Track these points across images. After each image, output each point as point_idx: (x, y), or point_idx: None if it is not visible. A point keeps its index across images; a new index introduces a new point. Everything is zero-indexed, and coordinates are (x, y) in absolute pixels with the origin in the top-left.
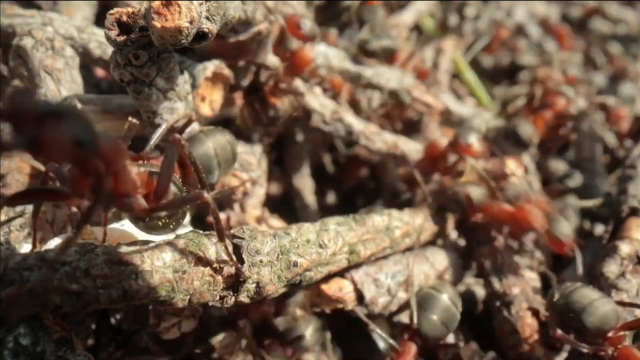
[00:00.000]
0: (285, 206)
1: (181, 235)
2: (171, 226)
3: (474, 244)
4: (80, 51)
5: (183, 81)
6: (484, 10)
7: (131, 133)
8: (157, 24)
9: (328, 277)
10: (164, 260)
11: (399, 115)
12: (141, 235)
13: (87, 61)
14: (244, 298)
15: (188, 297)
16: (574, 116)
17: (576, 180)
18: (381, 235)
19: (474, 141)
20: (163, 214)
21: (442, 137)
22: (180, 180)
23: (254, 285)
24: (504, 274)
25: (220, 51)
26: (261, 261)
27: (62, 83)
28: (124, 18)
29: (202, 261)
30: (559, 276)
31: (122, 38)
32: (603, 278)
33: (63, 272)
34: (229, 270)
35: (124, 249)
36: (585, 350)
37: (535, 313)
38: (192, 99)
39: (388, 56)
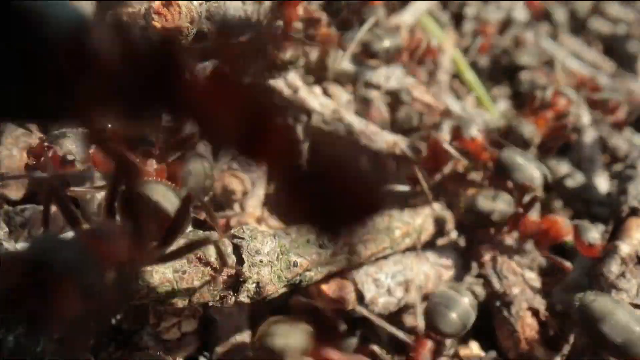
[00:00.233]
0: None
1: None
2: None
3: (474, 244)
4: None
5: None
6: (484, 10)
7: None
8: (157, 24)
9: (328, 277)
10: None
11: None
12: None
13: None
14: (244, 298)
15: (188, 297)
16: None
17: (576, 180)
18: (381, 235)
19: (477, 134)
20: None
21: (443, 134)
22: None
23: (254, 285)
24: (504, 274)
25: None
26: (261, 261)
27: None
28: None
29: (202, 261)
30: (558, 276)
31: None
32: (603, 278)
33: None
34: (229, 270)
35: None
36: None
37: (535, 313)
38: None
39: (392, 56)
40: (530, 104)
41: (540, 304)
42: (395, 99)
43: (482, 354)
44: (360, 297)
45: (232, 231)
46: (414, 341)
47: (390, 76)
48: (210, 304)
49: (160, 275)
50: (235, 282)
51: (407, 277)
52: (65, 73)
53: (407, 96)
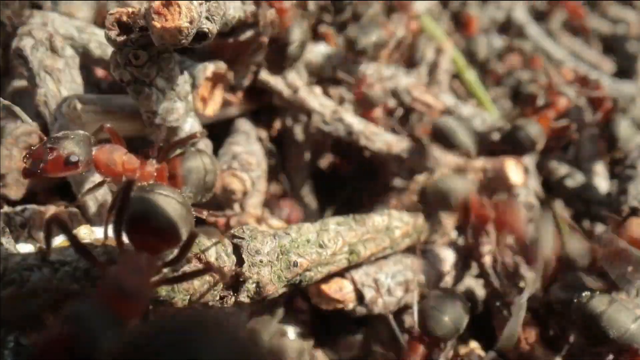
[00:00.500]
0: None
1: None
2: None
3: (474, 244)
4: (80, 51)
5: (183, 81)
6: (484, 10)
7: None
8: (157, 24)
9: (328, 277)
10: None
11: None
12: None
13: (87, 61)
14: (244, 298)
15: (188, 297)
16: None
17: (576, 180)
18: (381, 235)
19: None
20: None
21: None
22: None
23: (254, 285)
24: (504, 274)
25: (220, 51)
26: (261, 261)
27: (62, 83)
28: (124, 18)
29: (201, 261)
30: (558, 275)
31: (122, 38)
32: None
33: (63, 272)
34: (229, 270)
35: None
36: None
37: (535, 313)
38: (192, 99)
39: (378, 52)
40: (532, 103)
41: (540, 304)
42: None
43: (482, 354)
44: (360, 297)
45: (232, 231)
46: (407, 343)
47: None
48: (210, 304)
49: (161, 275)
50: (235, 282)
51: (407, 277)
52: None
53: (407, 96)
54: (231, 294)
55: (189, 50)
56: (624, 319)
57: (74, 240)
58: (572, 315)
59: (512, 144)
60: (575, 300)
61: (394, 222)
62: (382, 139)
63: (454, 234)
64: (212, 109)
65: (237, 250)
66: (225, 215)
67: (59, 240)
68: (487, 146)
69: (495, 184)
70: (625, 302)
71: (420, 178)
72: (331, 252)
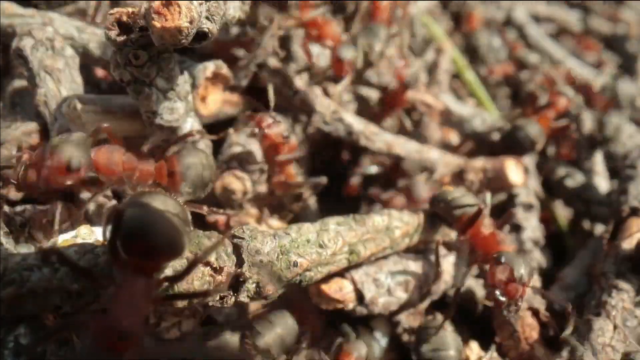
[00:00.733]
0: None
1: None
2: None
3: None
4: (80, 51)
5: (183, 81)
6: (484, 10)
7: None
8: (157, 24)
9: (328, 277)
10: None
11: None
12: None
13: (87, 61)
14: (244, 298)
15: (188, 297)
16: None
17: (576, 180)
18: (381, 235)
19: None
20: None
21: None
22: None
23: (254, 285)
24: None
25: (220, 51)
26: (261, 261)
27: (62, 83)
28: (124, 18)
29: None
30: (558, 275)
31: (122, 38)
32: (603, 278)
33: (63, 272)
34: (229, 270)
35: None
36: None
37: (535, 313)
38: (192, 99)
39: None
40: (532, 103)
41: (540, 304)
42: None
43: (482, 353)
44: (360, 297)
45: (232, 231)
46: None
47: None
48: (210, 304)
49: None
50: (235, 282)
51: (407, 277)
52: None
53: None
54: (231, 294)
55: (189, 50)
56: None
57: (73, 264)
58: None
59: (512, 144)
60: None
61: (394, 222)
62: (382, 138)
63: (454, 234)
64: (212, 108)
65: (237, 250)
66: (225, 213)
67: (60, 240)
68: (487, 146)
69: (495, 184)
70: None
71: (422, 177)
72: (331, 252)
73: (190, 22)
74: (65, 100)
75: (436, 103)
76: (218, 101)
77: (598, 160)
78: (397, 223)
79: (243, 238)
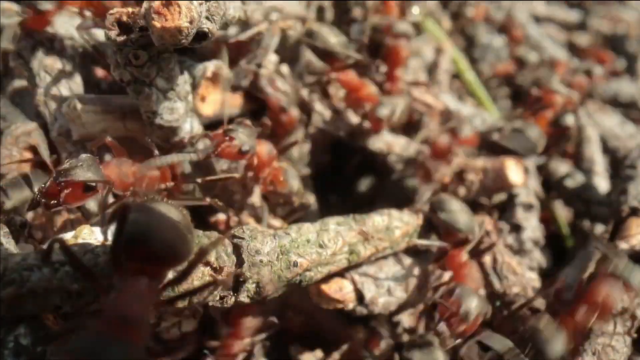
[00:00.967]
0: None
1: None
2: None
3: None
4: (80, 51)
5: (183, 81)
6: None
7: None
8: (157, 24)
9: (328, 277)
10: None
11: None
12: None
13: (87, 61)
14: (244, 298)
15: (188, 297)
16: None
17: (576, 180)
18: (381, 235)
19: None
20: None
21: (443, 135)
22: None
23: (254, 285)
24: (504, 274)
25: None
26: (261, 261)
27: (62, 83)
28: (124, 18)
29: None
30: (558, 275)
31: (122, 38)
32: None
33: (63, 272)
34: (229, 270)
35: None
36: None
37: (535, 313)
38: (192, 99)
39: None
40: (531, 104)
41: (540, 304)
42: None
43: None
44: (360, 297)
45: (232, 231)
46: None
47: None
48: (210, 304)
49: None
50: (235, 282)
51: (407, 277)
52: None
53: (407, 96)
54: (231, 294)
55: (189, 50)
56: None
57: (75, 262)
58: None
59: (512, 148)
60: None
61: (394, 222)
62: (382, 138)
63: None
64: (211, 108)
65: (237, 250)
66: (226, 210)
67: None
68: (487, 146)
69: (495, 184)
70: None
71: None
72: (331, 252)
73: (190, 22)
74: (65, 100)
75: (436, 103)
76: (218, 101)
77: (598, 160)
78: (397, 223)
79: (243, 238)
